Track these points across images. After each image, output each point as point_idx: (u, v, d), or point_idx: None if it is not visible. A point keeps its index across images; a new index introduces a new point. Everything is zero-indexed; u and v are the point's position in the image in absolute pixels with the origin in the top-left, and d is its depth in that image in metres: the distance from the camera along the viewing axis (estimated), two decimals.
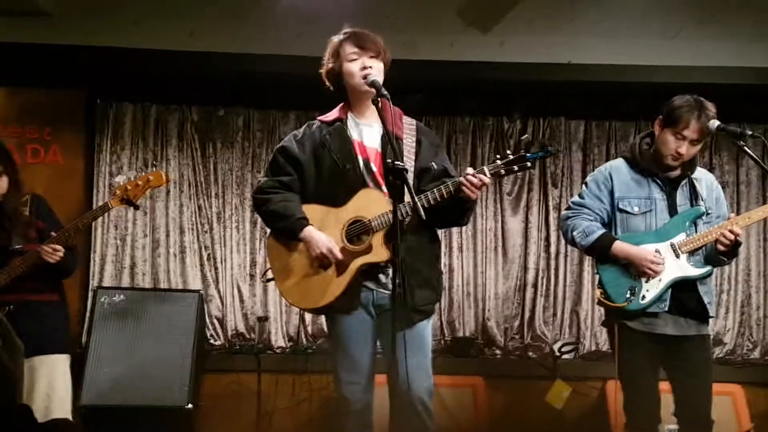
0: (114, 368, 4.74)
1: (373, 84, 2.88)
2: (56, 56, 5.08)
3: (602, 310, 3.57)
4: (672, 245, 3.34)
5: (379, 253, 2.91)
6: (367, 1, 4.91)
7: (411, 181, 2.82)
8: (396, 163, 2.66)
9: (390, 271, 2.94)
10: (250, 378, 5.23)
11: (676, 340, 3.34)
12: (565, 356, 5.34)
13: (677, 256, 3.33)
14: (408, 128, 3.08)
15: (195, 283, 5.63)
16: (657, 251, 3.33)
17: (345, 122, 3.07)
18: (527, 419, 5.27)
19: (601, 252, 3.40)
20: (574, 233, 3.45)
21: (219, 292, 5.68)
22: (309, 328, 5.64)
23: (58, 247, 3.38)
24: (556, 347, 5.40)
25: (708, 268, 3.36)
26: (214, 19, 5.08)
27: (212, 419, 5.23)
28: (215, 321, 5.64)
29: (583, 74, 5.18)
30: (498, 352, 5.66)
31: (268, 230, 3.15)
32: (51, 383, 3.43)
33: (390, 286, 2.94)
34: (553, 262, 5.78)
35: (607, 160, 5.48)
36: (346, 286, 2.94)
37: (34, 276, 3.43)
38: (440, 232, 3.19)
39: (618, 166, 3.52)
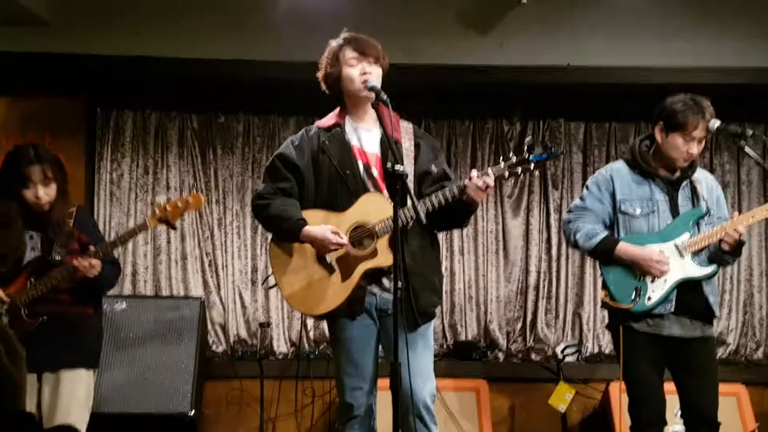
0: (116, 376, 4.73)
1: (372, 89, 2.89)
2: (56, 65, 5.09)
3: (605, 312, 3.56)
4: (676, 246, 3.33)
5: (384, 257, 2.91)
6: (366, 6, 4.92)
7: (411, 185, 2.83)
8: (396, 167, 2.66)
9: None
10: (252, 384, 5.22)
11: (681, 341, 3.33)
12: (567, 358, 5.33)
13: (681, 256, 3.33)
14: (406, 132, 3.09)
15: (196, 290, 5.63)
16: (661, 252, 3.32)
17: (343, 127, 3.07)
18: (530, 422, 5.27)
19: (605, 254, 3.39)
20: (577, 236, 3.44)
21: (221, 298, 5.68)
22: (311, 334, 5.64)
23: (95, 261, 3.32)
24: (558, 349, 5.39)
25: (713, 267, 3.35)
26: (213, 26, 5.09)
27: (215, 426, 5.23)
28: (217, 327, 5.63)
29: (583, 76, 5.18)
30: (500, 354, 5.65)
31: (269, 236, 3.14)
32: (72, 397, 3.42)
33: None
34: (554, 264, 5.77)
35: (608, 161, 5.49)
36: (352, 290, 2.93)
37: (71, 288, 3.40)
38: (441, 236, 3.19)
39: (619, 168, 3.51)
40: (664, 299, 3.30)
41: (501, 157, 2.89)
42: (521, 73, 5.18)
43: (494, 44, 5.17)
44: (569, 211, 3.57)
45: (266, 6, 5.00)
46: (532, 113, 5.82)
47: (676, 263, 3.32)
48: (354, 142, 3.05)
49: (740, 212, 3.41)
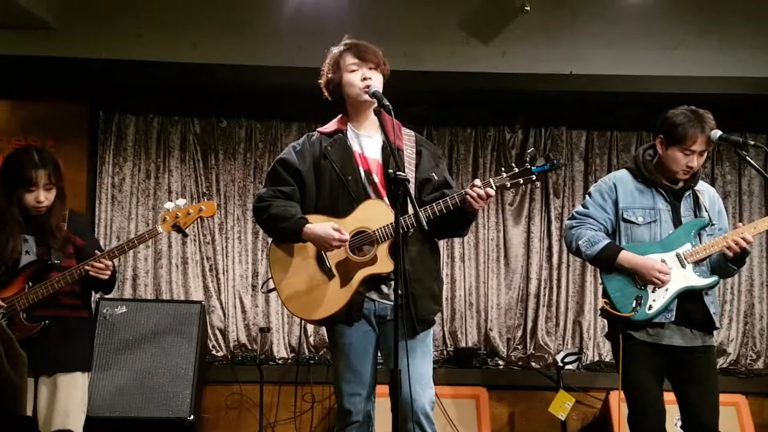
0: (116, 380, 4.74)
1: (374, 95, 2.89)
2: (59, 69, 5.10)
3: (605, 320, 3.56)
4: (678, 255, 3.33)
5: (384, 264, 2.91)
6: (368, 12, 4.93)
7: (411, 192, 2.83)
8: (398, 173, 2.66)
9: (393, 282, 2.94)
10: (252, 389, 5.22)
11: (681, 351, 3.32)
12: (567, 366, 5.32)
13: (683, 266, 3.32)
14: (408, 139, 3.09)
15: (197, 294, 5.63)
16: (663, 261, 3.32)
17: (345, 133, 3.08)
18: (530, 430, 5.27)
19: (606, 261, 3.38)
20: (579, 243, 3.43)
21: (221, 303, 5.68)
22: (311, 339, 5.64)
23: (109, 263, 3.34)
24: (558, 357, 5.39)
25: (714, 278, 3.35)
26: (216, 32, 5.11)
27: (214, 431, 5.22)
28: (217, 332, 5.63)
29: (585, 84, 5.20)
30: (501, 362, 5.65)
31: (270, 240, 3.14)
32: (69, 400, 3.41)
33: (392, 296, 2.94)
34: (555, 272, 5.77)
35: (609, 170, 5.50)
36: (351, 296, 2.93)
37: (71, 292, 3.41)
38: (441, 243, 3.19)
39: (622, 176, 3.51)
40: (665, 308, 3.29)
41: (503, 168, 2.89)
42: (523, 80, 5.20)
43: (497, 52, 5.19)
44: (571, 218, 3.56)
45: (268, 11, 5.02)
46: (534, 121, 5.83)
47: (677, 273, 3.31)
48: (356, 148, 3.05)
49: (742, 223, 3.41)
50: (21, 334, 3.23)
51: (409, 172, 2.97)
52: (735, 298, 5.76)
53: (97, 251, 3.37)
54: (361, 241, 2.94)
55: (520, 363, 5.66)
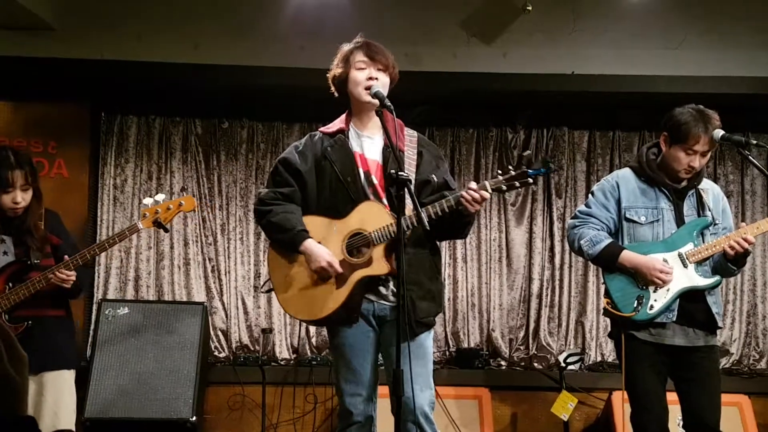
0: (118, 381, 4.74)
1: (376, 95, 2.89)
2: (61, 70, 5.11)
3: (607, 320, 3.55)
4: (680, 255, 3.32)
5: (379, 266, 2.91)
6: (369, 13, 4.93)
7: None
8: (400, 173, 2.66)
9: (391, 284, 2.94)
10: (254, 390, 5.22)
11: (684, 350, 3.31)
12: (570, 367, 5.32)
13: (685, 266, 3.31)
14: (409, 140, 3.09)
15: (199, 296, 5.63)
16: (665, 261, 3.31)
17: (347, 134, 3.08)
18: (533, 430, 5.26)
19: (608, 261, 3.37)
20: (582, 242, 3.43)
21: (223, 304, 5.68)
22: (313, 340, 5.64)
23: (70, 273, 3.35)
24: (561, 358, 5.38)
25: (717, 278, 3.34)
26: (218, 33, 5.11)
27: (217, 431, 5.23)
28: (219, 333, 5.63)
29: (587, 84, 5.19)
30: (503, 363, 5.64)
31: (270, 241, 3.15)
32: (58, 398, 3.42)
33: (391, 298, 2.94)
34: (557, 273, 5.76)
35: (611, 170, 5.49)
36: (345, 298, 2.93)
37: (50, 292, 3.41)
38: (444, 244, 3.19)
39: (625, 175, 3.50)
40: (667, 308, 3.28)
41: (499, 171, 2.88)
42: (525, 81, 5.20)
43: (498, 52, 5.19)
44: (574, 217, 3.56)
45: (270, 12, 5.02)
46: (535, 121, 5.82)
47: (679, 272, 3.30)
48: (356, 148, 3.05)
49: (744, 222, 3.40)
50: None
51: (410, 173, 2.97)
52: (738, 297, 5.75)
53: (66, 257, 3.37)
54: (358, 242, 2.94)
55: (523, 363, 5.65)
